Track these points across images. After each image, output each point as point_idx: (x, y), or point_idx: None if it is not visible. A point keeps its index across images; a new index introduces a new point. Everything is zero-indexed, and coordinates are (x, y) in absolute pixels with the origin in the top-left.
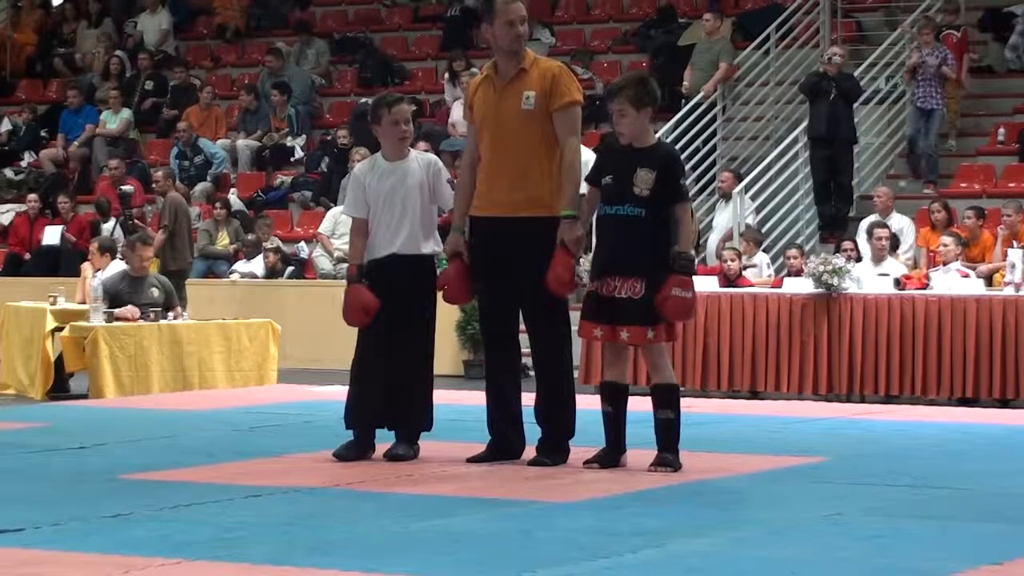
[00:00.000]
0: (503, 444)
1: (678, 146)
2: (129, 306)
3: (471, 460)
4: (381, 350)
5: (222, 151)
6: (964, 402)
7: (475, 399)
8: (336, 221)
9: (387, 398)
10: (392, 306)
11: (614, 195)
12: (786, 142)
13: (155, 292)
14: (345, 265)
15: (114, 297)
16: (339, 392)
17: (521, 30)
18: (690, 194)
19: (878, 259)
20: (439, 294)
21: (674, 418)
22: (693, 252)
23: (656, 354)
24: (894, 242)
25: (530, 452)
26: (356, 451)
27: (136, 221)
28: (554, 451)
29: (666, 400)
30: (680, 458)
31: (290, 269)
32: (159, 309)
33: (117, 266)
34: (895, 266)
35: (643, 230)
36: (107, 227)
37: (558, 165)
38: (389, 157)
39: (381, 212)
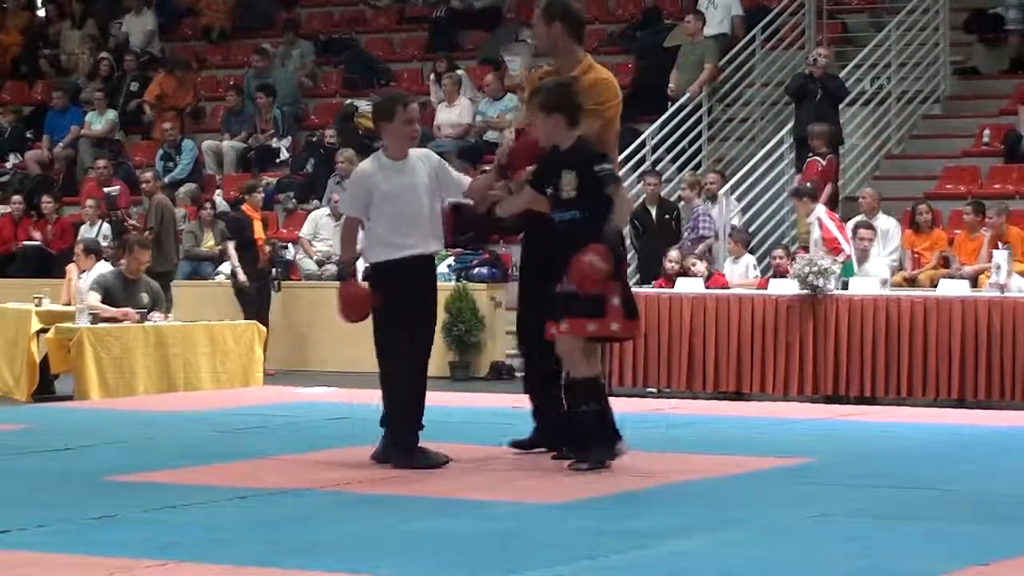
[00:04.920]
0: (549, 432)
1: (663, 147)
2: (124, 308)
3: (514, 445)
4: (407, 351)
5: (191, 153)
6: (949, 403)
7: (460, 400)
8: (316, 224)
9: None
10: (410, 308)
11: (553, 202)
12: (771, 143)
13: (145, 298)
14: (328, 267)
15: (106, 293)
16: (324, 394)
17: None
18: (617, 172)
19: (862, 259)
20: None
21: (599, 410)
22: (621, 226)
23: (575, 349)
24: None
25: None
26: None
27: (129, 221)
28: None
29: (585, 394)
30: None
31: (275, 271)
32: (144, 311)
33: (103, 267)
34: (880, 266)
35: (581, 231)
36: (84, 228)
37: None
38: (396, 156)
39: (390, 212)
